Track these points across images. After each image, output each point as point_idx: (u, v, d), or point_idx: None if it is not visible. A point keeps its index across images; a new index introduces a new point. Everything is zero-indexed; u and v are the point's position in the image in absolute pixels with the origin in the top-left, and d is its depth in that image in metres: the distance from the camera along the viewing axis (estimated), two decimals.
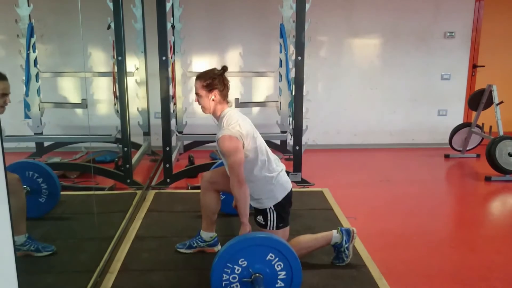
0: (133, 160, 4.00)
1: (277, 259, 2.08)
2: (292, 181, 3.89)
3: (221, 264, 2.05)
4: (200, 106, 2.48)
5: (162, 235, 2.97)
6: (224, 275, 2.06)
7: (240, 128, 2.34)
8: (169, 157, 3.87)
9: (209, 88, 2.40)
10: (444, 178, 4.73)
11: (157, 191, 3.81)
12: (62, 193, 3.65)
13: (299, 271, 2.10)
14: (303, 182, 4.00)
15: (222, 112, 2.44)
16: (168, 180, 3.92)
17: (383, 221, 3.33)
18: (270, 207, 2.42)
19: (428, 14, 5.39)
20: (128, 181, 3.77)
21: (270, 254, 2.07)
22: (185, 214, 3.28)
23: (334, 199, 3.63)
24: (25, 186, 2.85)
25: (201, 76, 2.44)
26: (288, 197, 2.47)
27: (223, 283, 2.06)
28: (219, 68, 2.47)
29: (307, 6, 3.76)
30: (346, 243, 2.50)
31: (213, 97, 2.41)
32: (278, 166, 2.50)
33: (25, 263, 2.42)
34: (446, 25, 5.42)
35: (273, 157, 2.52)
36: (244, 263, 2.06)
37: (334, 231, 2.53)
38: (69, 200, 3.59)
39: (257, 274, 2.06)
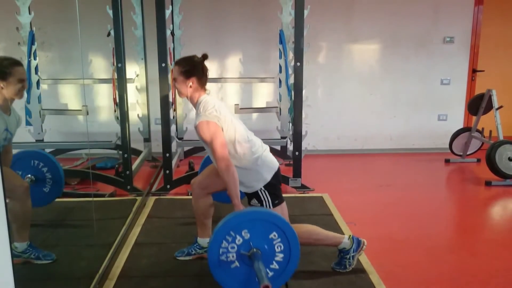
0: (134, 166, 4.01)
1: (279, 239, 2.07)
2: (292, 187, 3.94)
3: (225, 230, 2.04)
4: (177, 90, 2.50)
5: (162, 241, 2.97)
6: (224, 242, 2.05)
7: (217, 112, 2.34)
8: (169, 163, 3.88)
9: (187, 74, 2.41)
10: (445, 183, 4.72)
11: (157, 197, 3.82)
12: (62, 200, 3.68)
13: (297, 257, 2.10)
14: (303, 187, 4.00)
15: (199, 98, 2.45)
16: (168, 186, 3.93)
17: (383, 226, 3.32)
18: (261, 189, 2.39)
19: (427, 20, 5.41)
20: (128, 187, 3.78)
21: (274, 233, 2.06)
22: (185, 220, 3.29)
23: (334, 204, 3.63)
24: (29, 175, 2.87)
25: (180, 62, 2.46)
26: (277, 175, 2.44)
27: (221, 250, 2.05)
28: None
29: (306, 12, 3.78)
30: (353, 252, 2.50)
31: (190, 83, 2.41)
32: (261, 147, 2.47)
33: (24, 269, 2.43)
34: (445, 30, 5.44)
35: (255, 138, 2.49)
36: (247, 235, 2.05)
37: (346, 236, 2.52)
38: (69, 206, 3.61)
39: (256, 250, 2.05)
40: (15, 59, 2.36)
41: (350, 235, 2.53)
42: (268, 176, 2.40)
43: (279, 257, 2.09)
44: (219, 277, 2.08)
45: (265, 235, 2.06)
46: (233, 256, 2.07)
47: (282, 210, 2.43)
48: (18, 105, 3.86)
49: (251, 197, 2.45)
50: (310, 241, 2.47)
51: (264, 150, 2.46)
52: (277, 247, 2.08)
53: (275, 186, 2.43)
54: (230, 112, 2.48)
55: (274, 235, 2.07)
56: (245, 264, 2.08)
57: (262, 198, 2.41)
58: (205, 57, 2.47)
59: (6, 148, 2.54)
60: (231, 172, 2.26)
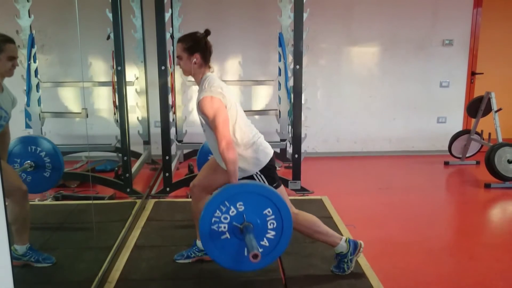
0: (133, 169, 4.01)
1: (273, 217, 2.07)
2: (292, 189, 3.94)
3: (220, 199, 2.03)
4: (181, 69, 2.45)
5: (162, 244, 2.97)
6: (218, 211, 2.04)
7: (222, 90, 2.30)
8: (168, 166, 3.88)
9: (191, 51, 2.38)
10: (444, 185, 4.73)
11: (156, 200, 3.82)
12: (62, 202, 3.69)
13: (288, 238, 2.10)
14: (303, 190, 4.00)
15: (203, 75, 2.41)
16: (167, 189, 3.93)
17: (382, 229, 3.33)
18: (257, 173, 2.36)
19: (426, 22, 5.42)
20: (128, 190, 3.78)
21: (269, 209, 2.06)
22: (184, 223, 3.28)
23: (334, 207, 3.63)
24: (29, 161, 2.86)
25: (183, 39, 2.42)
26: (272, 161, 2.42)
27: (213, 219, 2.05)
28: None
29: (305, 15, 3.79)
30: (351, 255, 2.50)
31: (195, 60, 2.38)
32: (257, 133, 2.45)
33: (23, 272, 2.43)
34: (444, 33, 5.45)
35: (252, 126, 2.47)
36: (241, 208, 2.04)
37: (343, 238, 2.51)
38: (69, 209, 3.61)
39: (248, 223, 2.04)
40: (7, 36, 2.28)
41: (346, 238, 2.52)
42: (264, 161, 2.37)
43: (271, 234, 2.08)
44: (207, 246, 2.08)
45: (260, 210, 2.05)
46: (224, 227, 2.06)
47: (281, 193, 2.40)
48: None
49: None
50: (309, 232, 2.45)
51: (259, 137, 2.44)
52: (270, 224, 2.07)
53: (270, 170, 2.40)
54: (233, 94, 2.43)
55: (269, 212, 2.06)
56: (235, 237, 2.07)
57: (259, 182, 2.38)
58: (207, 32, 2.45)
59: (3, 130, 2.49)
60: (232, 150, 2.21)
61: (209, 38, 2.47)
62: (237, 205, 2.04)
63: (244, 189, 2.07)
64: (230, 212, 2.04)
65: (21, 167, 2.89)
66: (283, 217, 2.07)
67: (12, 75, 2.33)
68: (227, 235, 2.07)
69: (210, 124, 2.28)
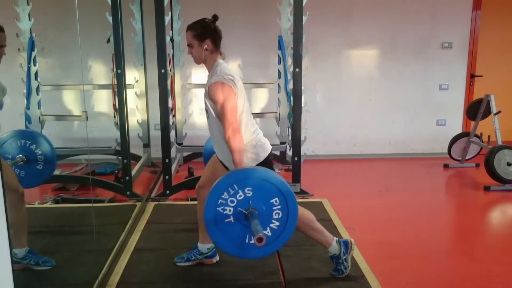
0: (133, 172, 4.01)
1: (279, 207, 2.05)
2: None
3: (229, 182, 2.02)
4: (192, 57, 2.42)
5: (161, 247, 2.97)
6: (226, 193, 2.02)
7: (234, 78, 2.28)
8: (168, 168, 3.89)
9: (201, 37, 2.36)
10: (443, 187, 4.73)
11: (156, 202, 3.82)
12: (62, 205, 3.69)
13: (291, 230, 2.09)
14: (302, 192, 4.01)
15: (215, 61, 2.38)
16: (167, 191, 3.93)
17: (382, 232, 3.33)
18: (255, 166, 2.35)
19: (425, 25, 5.43)
20: (128, 193, 3.78)
21: (277, 198, 2.04)
22: (184, 226, 3.29)
23: (333, 209, 3.63)
24: (20, 155, 2.84)
25: (192, 27, 2.41)
26: (269, 157, 2.41)
27: (219, 201, 2.02)
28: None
29: (304, 18, 3.80)
30: (344, 255, 2.50)
31: (206, 46, 2.35)
32: (258, 129, 2.45)
33: (23, 276, 2.43)
34: (444, 36, 5.46)
35: (254, 121, 2.46)
36: (249, 193, 2.02)
37: (335, 239, 2.51)
38: (68, 212, 3.61)
39: (254, 209, 2.02)
40: None
41: (337, 239, 2.52)
42: (263, 156, 2.37)
43: (275, 224, 2.06)
44: (210, 228, 2.05)
45: (267, 198, 2.04)
46: (229, 211, 2.03)
47: None
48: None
49: None
50: (305, 228, 2.44)
51: (259, 133, 2.44)
52: (275, 214, 2.05)
53: (267, 163, 2.39)
54: (243, 86, 2.40)
55: (276, 201, 2.04)
56: (239, 222, 2.05)
57: None
58: (215, 17, 2.43)
59: None
60: (237, 139, 2.20)
61: None
62: (246, 190, 2.02)
63: (255, 175, 2.05)
64: (238, 196, 2.02)
65: (12, 161, 2.86)
66: (289, 209, 2.05)
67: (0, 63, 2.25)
68: (231, 219, 2.05)
69: (217, 111, 2.25)
